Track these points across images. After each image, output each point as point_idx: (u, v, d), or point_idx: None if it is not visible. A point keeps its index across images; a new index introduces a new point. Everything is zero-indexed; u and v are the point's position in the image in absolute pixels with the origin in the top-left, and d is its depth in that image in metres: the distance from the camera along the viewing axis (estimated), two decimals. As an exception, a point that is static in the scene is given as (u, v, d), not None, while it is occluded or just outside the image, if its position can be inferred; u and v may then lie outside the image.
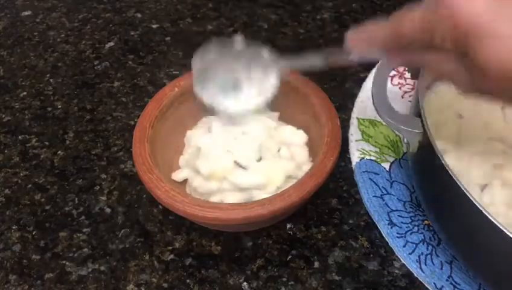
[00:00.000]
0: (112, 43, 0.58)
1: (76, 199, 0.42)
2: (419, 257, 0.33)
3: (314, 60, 0.33)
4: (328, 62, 0.32)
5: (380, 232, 0.34)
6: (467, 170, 0.33)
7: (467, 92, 0.27)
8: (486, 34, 0.23)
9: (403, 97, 0.41)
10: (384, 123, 0.33)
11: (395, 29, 0.27)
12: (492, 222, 0.24)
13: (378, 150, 0.38)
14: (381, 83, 0.34)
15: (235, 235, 0.39)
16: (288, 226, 0.39)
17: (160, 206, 0.41)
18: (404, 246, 0.33)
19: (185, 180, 0.40)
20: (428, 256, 0.33)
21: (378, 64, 0.36)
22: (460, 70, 0.26)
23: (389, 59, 0.31)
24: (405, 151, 0.38)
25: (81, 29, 0.60)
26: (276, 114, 0.42)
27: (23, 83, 0.54)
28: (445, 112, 0.37)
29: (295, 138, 0.40)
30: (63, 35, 0.60)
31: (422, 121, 0.30)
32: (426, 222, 0.34)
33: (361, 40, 0.30)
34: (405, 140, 0.33)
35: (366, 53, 0.30)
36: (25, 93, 0.53)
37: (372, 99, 0.33)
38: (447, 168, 0.27)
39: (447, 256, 0.33)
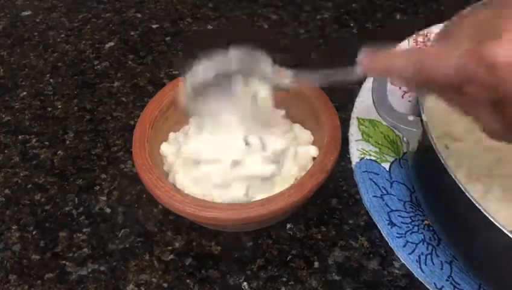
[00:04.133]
0: (112, 43, 0.58)
1: (76, 199, 0.42)
2: (419, 257, 0.33)
3: (319, 78, 0.32)
4: (331, 81, 0.31)
5: (380, 232, 0.33)
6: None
7: (493, 138, 0.26)
8: None
9: (403, 97, 0.41)
10: (384, 123, 0.33)
11: (423, 71, 0.25)
12: (492, 222, 0.24)
13: (378, 150, 0.38)
14: (381, 83, 0.34)
15: (235, 235, 0.39)
16: (288, 226, 0.39)
17: (160, 206, 0.41)
18: (404, 246, 0.33)
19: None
20: (429, 256, 0.33)
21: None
22: (490, 118, 0.25)
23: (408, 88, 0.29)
24: (405, 151, 0.38)
25: (81, 29, 0.60)
26: (282, 112, 0.42)
27: (23, 83, 0.54)
28: (450, 112, 0.37)
29: (304, 136, 0.40)
30: (63, 35, 0.60)
31: (421, 121, 0.30)
32: (426, 222, 0.34)
33: (377, 69, 0.29)
34: (405, 139, 0.33)
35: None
36: (25, 93, 0.53)
37: (372, 99, 0.33)
38: (446, 167, 0.27)
39: (447, 256, 0.33)
